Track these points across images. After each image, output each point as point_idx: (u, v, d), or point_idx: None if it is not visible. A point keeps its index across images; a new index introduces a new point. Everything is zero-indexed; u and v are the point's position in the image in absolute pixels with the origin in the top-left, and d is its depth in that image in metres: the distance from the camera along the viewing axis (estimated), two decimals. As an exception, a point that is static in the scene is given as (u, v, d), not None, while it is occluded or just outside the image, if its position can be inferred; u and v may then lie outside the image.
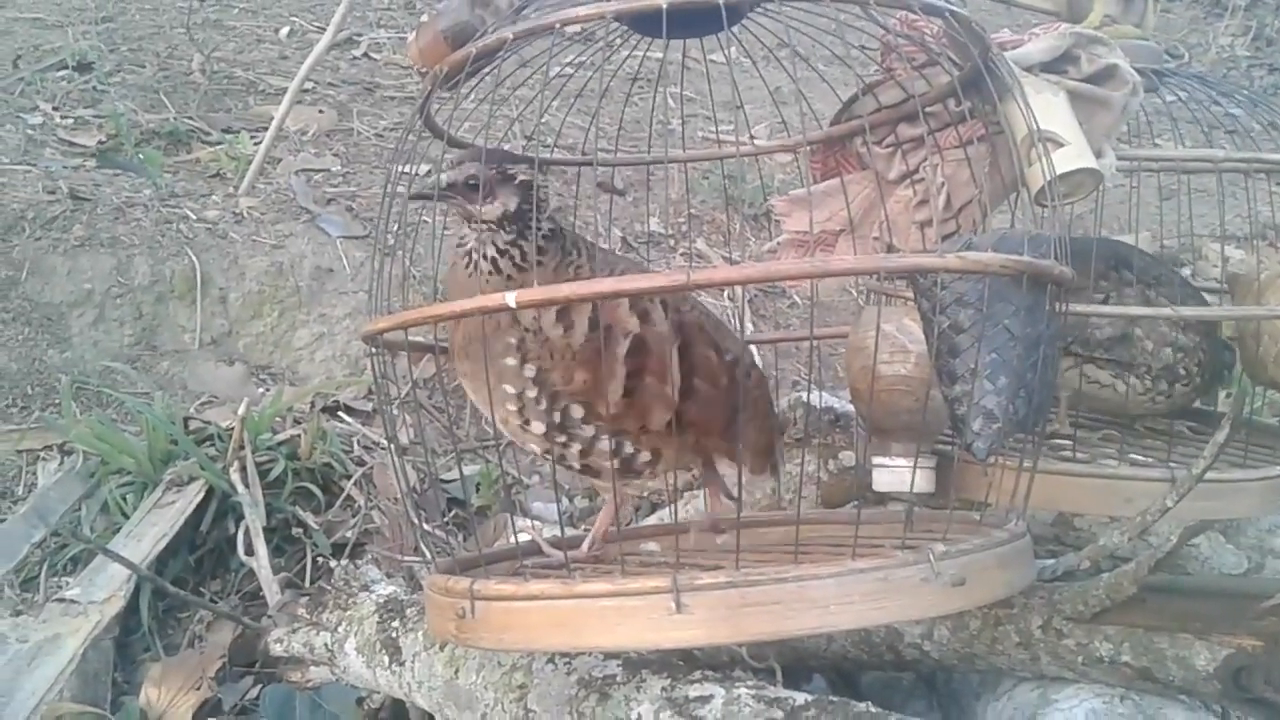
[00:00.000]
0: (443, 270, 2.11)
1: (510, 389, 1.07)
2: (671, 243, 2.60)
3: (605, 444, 1.07)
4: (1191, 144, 1.49)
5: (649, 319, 1.05)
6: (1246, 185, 1.38)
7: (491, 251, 1.08)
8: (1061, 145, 1.10)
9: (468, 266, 1.09)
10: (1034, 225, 1.11)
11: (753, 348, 1.23)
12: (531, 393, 1.06)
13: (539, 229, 1.07)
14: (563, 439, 1.08)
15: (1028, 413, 1.00)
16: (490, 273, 1.07)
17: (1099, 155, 1.14)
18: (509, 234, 1.07)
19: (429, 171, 1.42)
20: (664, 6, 0.93)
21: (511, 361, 1.06)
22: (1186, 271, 2.49)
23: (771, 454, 1.20)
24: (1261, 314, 1.32)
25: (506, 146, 2.35)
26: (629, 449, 1.09)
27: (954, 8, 0.99)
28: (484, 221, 1.08)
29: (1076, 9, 1.31)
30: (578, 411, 1.07)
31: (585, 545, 1.15)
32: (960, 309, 0.99)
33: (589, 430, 1.07)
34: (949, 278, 0.99)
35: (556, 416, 1.07)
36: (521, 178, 1.08)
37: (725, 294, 2.37)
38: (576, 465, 1.10)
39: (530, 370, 1.06)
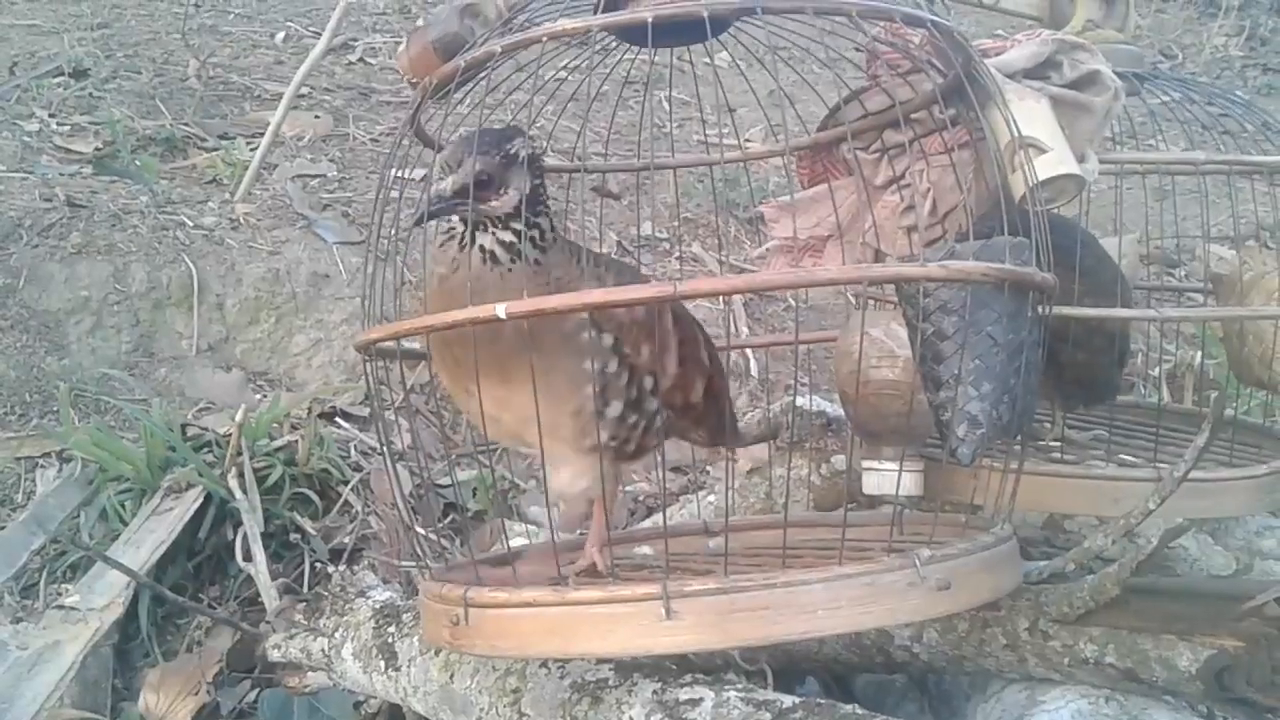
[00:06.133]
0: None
1: (591, 365, 1.00)
2: (666, 246, 2.61)
3: (660, 420, 1.07)
4: (1185, 146, 1.50)
5: None
6: (1229, 186, 1.39)
7: (509, 238, 0.99)
8: (1044, 151, 1.11)
9: (485, 262, 1.00)
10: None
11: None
12: (613, 366, 1.02)
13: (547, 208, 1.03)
14: (634, 418, 1.05)
15: (1011, 418, 1.02)
16: (512, 260, 0.99)
17: (1081, 160, 1.15)
18: (521, 219, 1.00)
19: (423, 178, 1.43)
20: (649, 20, 0.94)
21: (588, 335, 1.00)
22: (1180, 272, 2.51)
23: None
24: (1245, 314, 1.33)
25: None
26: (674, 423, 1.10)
27: (935, 18, 1.00)
28: (499, 216, 1.00)
29: (1058, 14, 1.33)
30: (649, 383, 1.05)
31: (584, 564, 1.13)
32: (944, 316, 1.01)
33: (654, 404, 1.05)
34: (933, 285, 1.00)
35: (634, 391, 1.04)
36: (523, 153, 1.01)
37: (720, 298, 2.38)
38: (631, 448, 1.07)
39: (608, 339, 1.02)
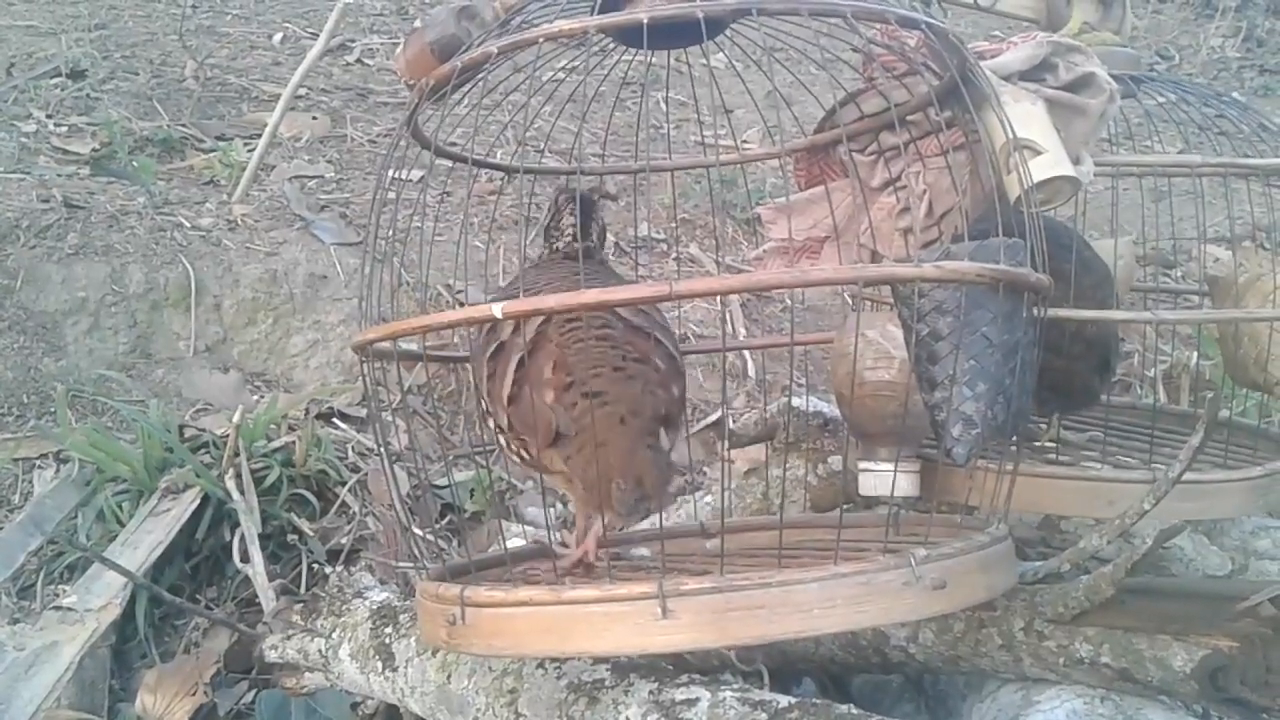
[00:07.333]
0: (433, 277, 2.15)
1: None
2: (663, 247, 2.61)
3: (501, 437, 1.13)
4: (1181, 148, 1.50)
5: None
6: (1225, 188, 1.40)
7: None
8: (1039, 153, 1.12)
9: None
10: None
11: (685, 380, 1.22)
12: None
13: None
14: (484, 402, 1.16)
15: (1006, 418, 1.02)
16: None
17: (1076, 162, 1.15)
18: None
19: (420, 179, 1.44)
20: (644, 21, 0.94)
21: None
22: (1176, 274, 2.52)
23: (607, 496, 1.04)
24: (1241, 316, 1.34)
25: (499, 152, 2.37)
26: (515, 444, 1.12)
27: (931, 20, 1.01)
28: None
29: (1055, 17, 1.33)
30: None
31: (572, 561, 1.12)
32: (939, 316, 1.01)
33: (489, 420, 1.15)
34: (928, 285, 1.00)
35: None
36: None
37: (718, 299, 2.39)
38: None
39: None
